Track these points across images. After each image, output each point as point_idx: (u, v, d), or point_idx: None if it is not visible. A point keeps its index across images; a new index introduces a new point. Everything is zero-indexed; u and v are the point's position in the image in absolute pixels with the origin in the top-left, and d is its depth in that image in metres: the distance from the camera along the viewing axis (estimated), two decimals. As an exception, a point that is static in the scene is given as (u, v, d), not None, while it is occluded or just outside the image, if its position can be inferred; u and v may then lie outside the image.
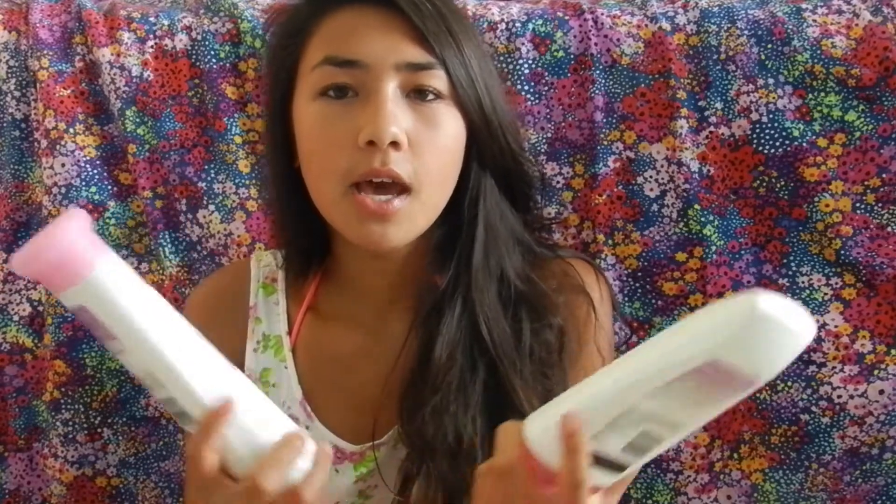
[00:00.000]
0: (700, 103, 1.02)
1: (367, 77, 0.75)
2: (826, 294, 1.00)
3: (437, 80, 0.76)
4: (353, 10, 0.77)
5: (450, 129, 0.77)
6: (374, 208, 0.75)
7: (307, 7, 0.81)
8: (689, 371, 0.53)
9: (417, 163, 0.75)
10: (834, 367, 0.99)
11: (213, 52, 1.08)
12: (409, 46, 0.75)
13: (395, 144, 0.73)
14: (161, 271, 1.08)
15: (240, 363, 0.88)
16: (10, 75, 1.09)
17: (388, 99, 0.74)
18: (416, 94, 0.76)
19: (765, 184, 1.01)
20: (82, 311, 0.63)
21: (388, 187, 0.75)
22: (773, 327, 0.52)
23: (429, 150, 0.75)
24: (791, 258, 1.01)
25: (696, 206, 1.01)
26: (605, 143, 1.03)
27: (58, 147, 1.07)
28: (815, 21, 1.01)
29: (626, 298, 1.03)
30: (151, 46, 1.09)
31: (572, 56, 1.04)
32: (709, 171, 1.02)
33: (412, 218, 0.76)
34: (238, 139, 1.08)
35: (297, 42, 0.80)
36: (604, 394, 0.58)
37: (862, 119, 0.99)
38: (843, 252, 0.99)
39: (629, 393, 0.56)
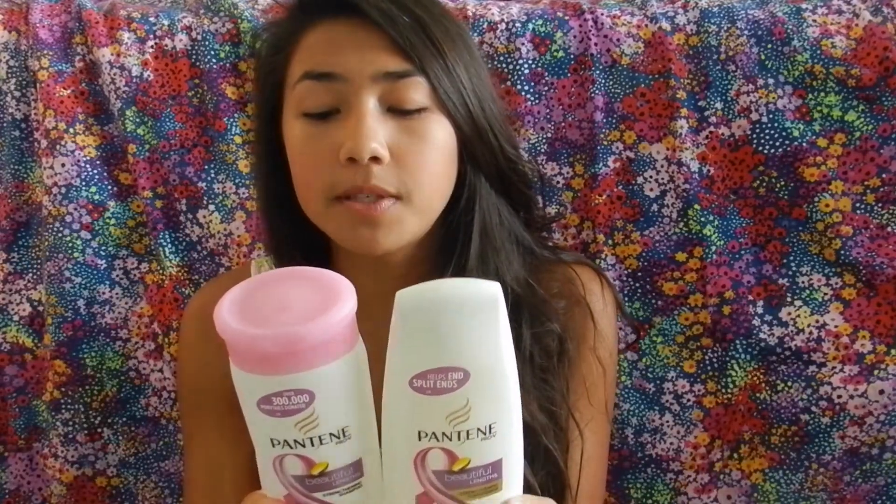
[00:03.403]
0: (700, 103, 1.02)
1: (346, 90, 0.74)
2: (826, 294, 1.00)
3: (419, 89, 0.75)
4: (330, 25, 0.77)
5: (437, 138, 0.76)
6: (363, 210, 0.74)
7: (288, 24, 0.81)
8: None
9: (404, 175, 0.74)
10: (834, 367, 0.99)
11: (213, 52, 1.08)
12: (385, 56, 0.74)
13: (375, 159, 0.73)
14: (161, 271, 1.08)
15: None
16: (10, 75, 1.09)
17: (367, 113, 0.73)
18: (399, 106, 0.75)
19: (765, 184, 1.01)
20: (299, 398, 0.55)
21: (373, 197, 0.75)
22: (428, 313, 0.56)
23: (415, 161, 0.75)
24: (791, 258, 1.01)
25: (696, 206, 1.01)
26: (605, 143, 1.03)
27: (58, 147, 1.07)
28: (815, 21, 1.01)
29: (626, 298, 1.03)
30: (151, 46, 1.09)
31: (572, 56, 1.04)
32: (709, 171, 1.02)
33: (403, 221, 0.76)
34: (238, 139, 1.08)
35: (280, 59, 0.80)
36: None
37: (862, 119, 0.99)
38: (843, 252, 0.99)
39: None
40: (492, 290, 0.55)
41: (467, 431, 0.56)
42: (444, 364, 0.55)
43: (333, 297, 0.56)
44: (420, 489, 0.58)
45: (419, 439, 0.57)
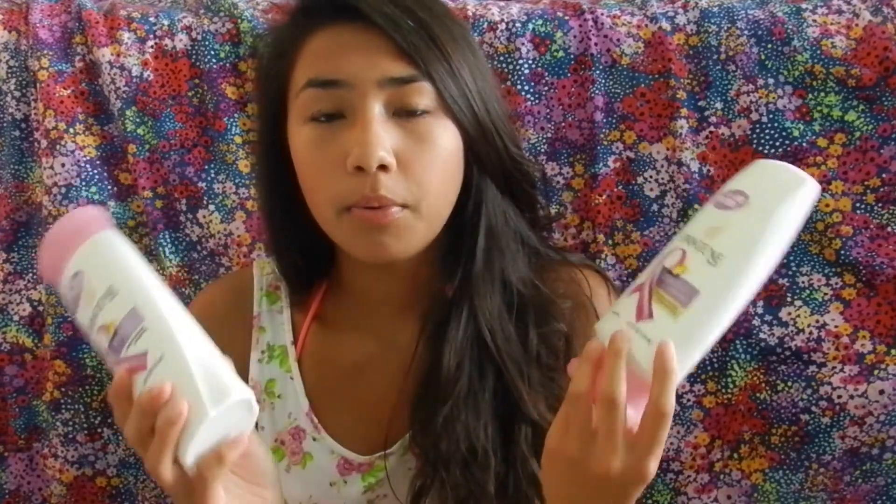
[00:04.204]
0: (700, 103, 1.02)
1: (351, 97, 0.73)
2: (826, 294, 1.00)
3: (424, 93, 0.74)
4: (334, 30, 0.76)
5: (443, 142, 0.75)
6: (372, 218, 0.74)
7: (290, 29, 0.80)
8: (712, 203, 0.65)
9: (411, 181, 0.74)
10: (834, 367, 0.99)
11: (213, 52, 1.08)
12: (390, 62, 0.73)
13: (383, 167, 0.72)
14: (161, 271, 1.08)
15: (244, 374, 0.88)
16: (10, 75, 1.09)
17: (373, 121, 0.72)
18: (405, 111, 0.74)
19: (765, 184, 1.01)
20: (76, 281, 0.66)
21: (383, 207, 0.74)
22: (769, 166, 0.65)
23: (421, 166, 0.74)
24: (791, 258, 1.01)
25: (696, 206, 1.01)
26: (605, 143, 1.03)
27: (58, 147, 1.07)
28: (815, 21, 1.01)
29: (626, 298, 1.03)
30: (151, 46, 1.09)
31: (572, 56, 1.04)
32: (709, 171, 1.02)
33: (412, 229, 0.75)
34: (238, 139, 1.08)
35: (283, 65, 0.79)
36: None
37: (862, 119, 0.99)
38: (843, 252, 0.99)
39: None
40: (812, 192, 0.63)
41: (704, 246, 0.62)
42: (741, 189, 0.63)
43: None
44: (645, 278, 0.64)
45: (681, 239, 0.64)
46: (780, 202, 0.62)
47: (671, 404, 0.60)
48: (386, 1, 0.75)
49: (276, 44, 0.82)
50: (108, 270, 0.67)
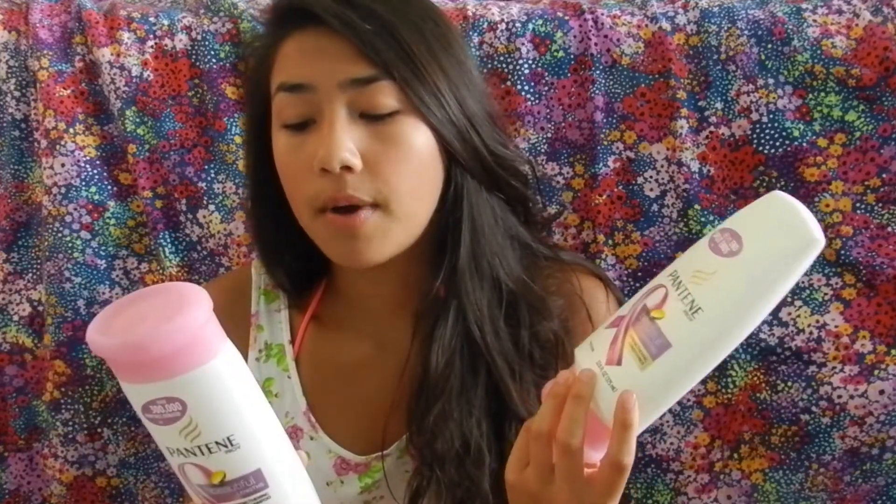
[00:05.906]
0: (700, 103, 1.02)
1: (317, 100, 0.74)
2: (826, 294, 1.00)
3: (388, 93, 0.74)
4: (301, 36, 0.76)
5: (413, 141, 0.75)
6: (342, 224, 0.74)
7: (267, 36, 0.82)
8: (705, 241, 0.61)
9: (379, 181, 0.74)
10: (834, 367, 0.99)
11: (213, 52, 1.08)
12: (350, 63, 0.74)
13: (347, 168, 0.73)
14: (161, 271, 1.08)
15: None
16: (10, 75, 1.09)
17: (335, 123, 0.73)
18: (371, 112, 0.74)
19: (765, 184, 1.01)
20: (171, 407, 0.56)
21: (352, 207, 0.74)
22: (780, 208, 0.59)
23: (389, 167, 0.74)
24: (791, 258, 1.01)
25: (696, 206, 1.01)
26: (605, 143, 1.03)
27: (58, 147, 1.07)
28: (815, 21, 1.01)
29: (627, 298, 1.03)
30: (151, 46, 1.09)
31: (572, 56, 1.04)
32: (709, 171, 1.02)
33: (385, 232, 0.75)
34: (238, 139, 1.08)
35: (262, 71, 0.80)
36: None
37: (862, 119, 0.99)
38: (843, 252, 0.99)
39: None
40: (817, 251, 0.58)
41: (686, 293, 0.60)
42: (739, 233, 0.59)
43: (181, 307, 0.56)
44: (627, 311, 0.63)
45: (668, 274, 0.62)
46: (774, 266, 0.58)
47: (630, 457, 0.61)
48: (346, 4, 0.75)
49: (258, 50, 0.84)
50: (229, 416, 0.57)
